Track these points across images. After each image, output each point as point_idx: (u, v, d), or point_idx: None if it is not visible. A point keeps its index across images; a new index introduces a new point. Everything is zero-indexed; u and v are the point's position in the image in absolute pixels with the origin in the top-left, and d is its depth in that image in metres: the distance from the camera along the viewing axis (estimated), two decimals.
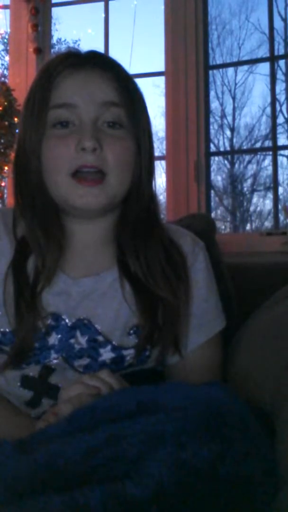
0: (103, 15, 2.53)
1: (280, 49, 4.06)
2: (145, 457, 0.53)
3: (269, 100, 2.59)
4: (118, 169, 0.83)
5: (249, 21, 4.60)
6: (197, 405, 0.60)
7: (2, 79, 2.30)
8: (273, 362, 0.79)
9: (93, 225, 0.89)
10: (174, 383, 0.82)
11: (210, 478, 0.52)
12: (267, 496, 0.57)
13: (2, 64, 5.33)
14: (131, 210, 0.88)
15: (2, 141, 2.09)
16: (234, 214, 5.33)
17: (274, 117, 2.50)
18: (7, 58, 2.87)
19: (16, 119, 2.10)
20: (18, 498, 0.52)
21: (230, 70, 4.90)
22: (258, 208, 5.27)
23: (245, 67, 4.49)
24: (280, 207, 2.36)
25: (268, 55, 2.44)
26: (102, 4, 2.54)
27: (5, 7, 2.57)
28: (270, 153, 2.49)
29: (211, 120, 2.95)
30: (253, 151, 5.38)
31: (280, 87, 4.03)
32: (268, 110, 4.23)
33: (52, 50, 2.69)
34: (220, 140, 5.11)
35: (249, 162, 5.18)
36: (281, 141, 4.01)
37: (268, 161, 4.62)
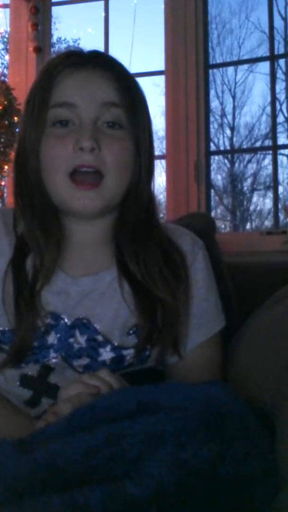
0: (103, 14, 2.53)
1: (280, 48, 4.06)
2: (145, 457, 0.53)
3: (269, 99, 2.58)
4: (115, 170, 0.83)
5: (249, 20, 4.61)
6: (197, 405, 0.59)
7: (2, 78, 2.30)
8: (273, 362, 0.79)
9: (92, 225, 0.89)
10: (174, 383, 0.82)
11: (210, 478, 0.52)
12: (267, 496, 0.57)
13: (2, 63, 5.31)
14: (130, 211, 0.88)
15: (2, 140, 2.09)
16: (234, 213, 5.33)
17: (274, 116, 2.49)
18: (7, 57, 2.85)
19: (16, 118, 2.10)
20: (18, 498, 0.52)
21: (230, 69, 4.88)
22: (258, 207, 5.27)
23: (245, 66, 4.48)
24: (280, 206, 2.36)
25: (268, 54, 2.43)
26: (102, 3, 2.53)
27: (5, 6, 2.57)
28: (270, 152, 2.48)
29: (211, 119, 2.95)
30: (253, 150, 5.37)
31: (280, 86, 4.03)
32: (268, 109, 4.23)
33: (52, 49, 2.69)
34: (220, 139, 5.12)
35: (249, 161, 5.18)
36: (281, 140, 4.00)
37: (268, 160, 4.62)
